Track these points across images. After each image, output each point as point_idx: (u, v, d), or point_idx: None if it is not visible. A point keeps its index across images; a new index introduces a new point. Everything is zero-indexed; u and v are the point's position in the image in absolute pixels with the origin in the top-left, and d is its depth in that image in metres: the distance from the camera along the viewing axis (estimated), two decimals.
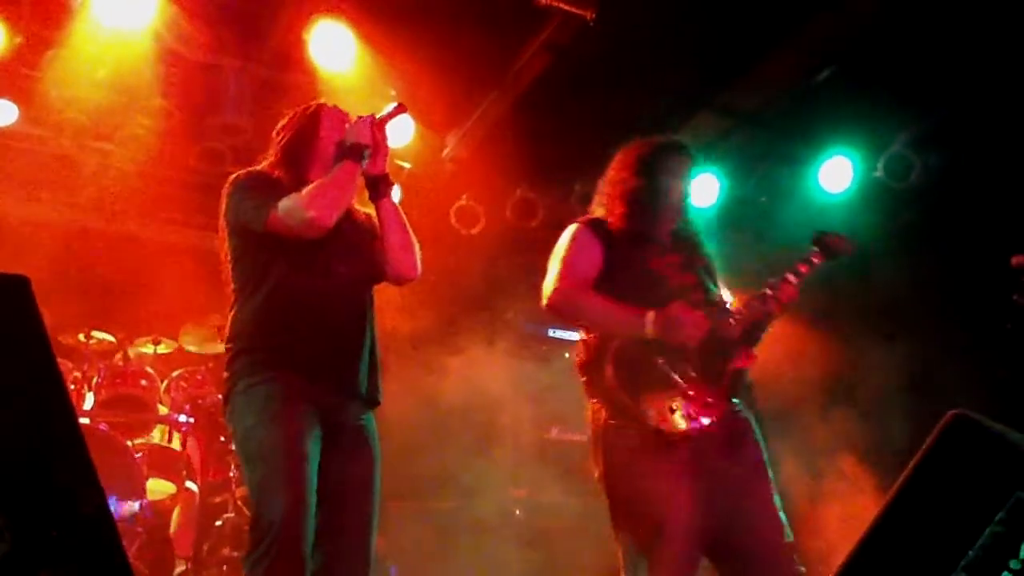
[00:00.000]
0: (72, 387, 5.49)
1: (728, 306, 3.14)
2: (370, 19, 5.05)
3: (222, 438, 5.48)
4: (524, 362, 6.55)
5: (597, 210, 3.33)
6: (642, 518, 2.85)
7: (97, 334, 5.94)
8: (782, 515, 2.93)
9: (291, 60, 5.29)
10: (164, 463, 5.52)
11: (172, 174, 6.15)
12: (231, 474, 5.38)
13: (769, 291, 3.07)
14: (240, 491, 5.25)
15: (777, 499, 2.95)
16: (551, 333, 6.99)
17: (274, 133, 3.19)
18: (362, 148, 2.98)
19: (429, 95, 5.52)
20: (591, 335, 3.10)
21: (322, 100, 3.30)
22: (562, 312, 3.09)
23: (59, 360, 5.51)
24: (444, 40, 5.04)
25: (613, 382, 2.88)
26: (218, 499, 5.52)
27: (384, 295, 3.25)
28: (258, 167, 3.12)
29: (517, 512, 6.27)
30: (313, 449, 2.75)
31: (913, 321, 5.55)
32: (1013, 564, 1.44)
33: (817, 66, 5.45)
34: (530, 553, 5.80)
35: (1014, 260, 2.96)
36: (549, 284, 3.10)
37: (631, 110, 5.69)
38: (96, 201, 6.09)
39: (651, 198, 3.18)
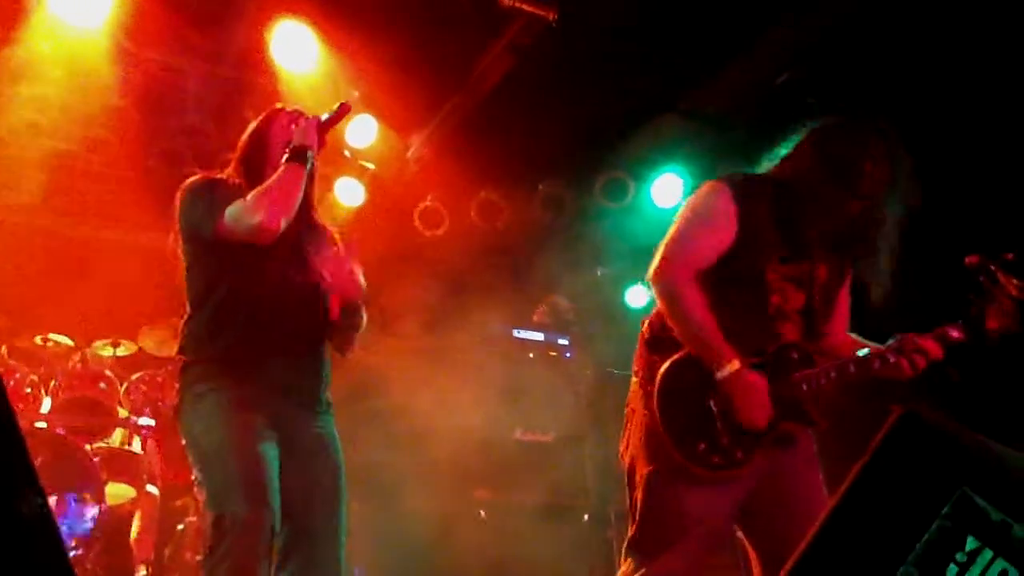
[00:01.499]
0: (28, 391, 5.41)
1: (815, 355, 2.80)
2: (332, 20, 5.04)
3: (183, 441, 5.41)
4: (489, 362, 6.55)
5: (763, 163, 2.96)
6: (666, 532, 2.71)
7: (54, 336, 5.86)
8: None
9: (253, 61, 5.26)
10: (124, 467, 5.45)
11: (131, 175, 6.08)
12: (193, 477, 5.31)
13: (891, 357, 2.74)
14: (202, 494, 5.20)
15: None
16: (516, 334, 6.99)
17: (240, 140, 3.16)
18: (305, 150, 2.92)
19: (392, 96, 5.51)
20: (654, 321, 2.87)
21: (283, 101, 3.29)
22: (657, 292, 2.79)
23: (14, 363, 5.47)
24: (407, 41, 5.03)
25: (655, 395, 2.72)
26: (179, 503, 5.46)
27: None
28: (218, 174, 3.09)
29: (481, 513, 6.27)
30: (269, 453, 2.72)
31: (879, 325, 5.60)
32: (959, 556, 1.47)
33: (780, 68, 5.50)
34: (494, 554, 5.80)
35: (967, 260, 2.98)
36: (659, 255, 2.80)
37: (595, 111, 5.72)
38: (53, 202, 6.01)
39: (832, 173, 2.78)
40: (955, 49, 4.98)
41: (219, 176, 3.05)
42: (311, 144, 2.95)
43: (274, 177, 2.87)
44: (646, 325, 2.91)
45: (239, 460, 2.67)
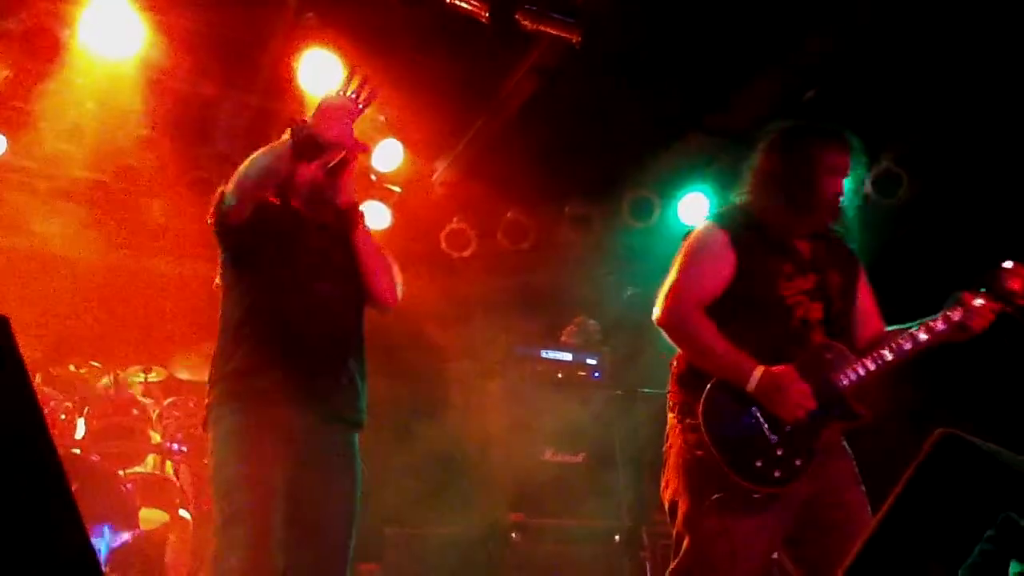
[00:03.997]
0: (63, 417, 5.46)
1: (848, 349, 2.84)
2: (358, 46, 5.08)
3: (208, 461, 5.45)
4: (517, 384, 6.54)
5: (742, 191, 3.01)
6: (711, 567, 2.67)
7: (88, 364, 5.92)
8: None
9: (281, 89, 5.31)
10: (157, 492, 5.49)
11: (161, 204, 6.15)
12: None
13: (955, 315, 2.82)
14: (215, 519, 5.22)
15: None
16: (544, 355, 6.97)
17: None
18: (312, 139, 2.69)
19: (418, 120, 5.55)
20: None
21: None
22: (669, 334, 2.84)
23: (49, 391, 5.54)
24: (431, 65, 5.07)
25: (701, 425, 2.69)
26: (212, 527, 5.47)
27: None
28: None
29: (514, 536, 6.24)
30: (284, 478, 2.67)
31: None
32: None
33: (803, 85, 5.49)
34: None
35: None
36: (663, 297, 2.86)
37: (620, 131, 5.73)
38: (86, 233, 6.09)
39: (795, 188, 2.83)
40: (981, 58, 4.95)
41: None
42: (327, 137, 2.72)
43: (257, 154, 2.78)
44: (675, 361, 2.94)
45: (249, 496, 2.63)
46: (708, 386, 2.73)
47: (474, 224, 6.73)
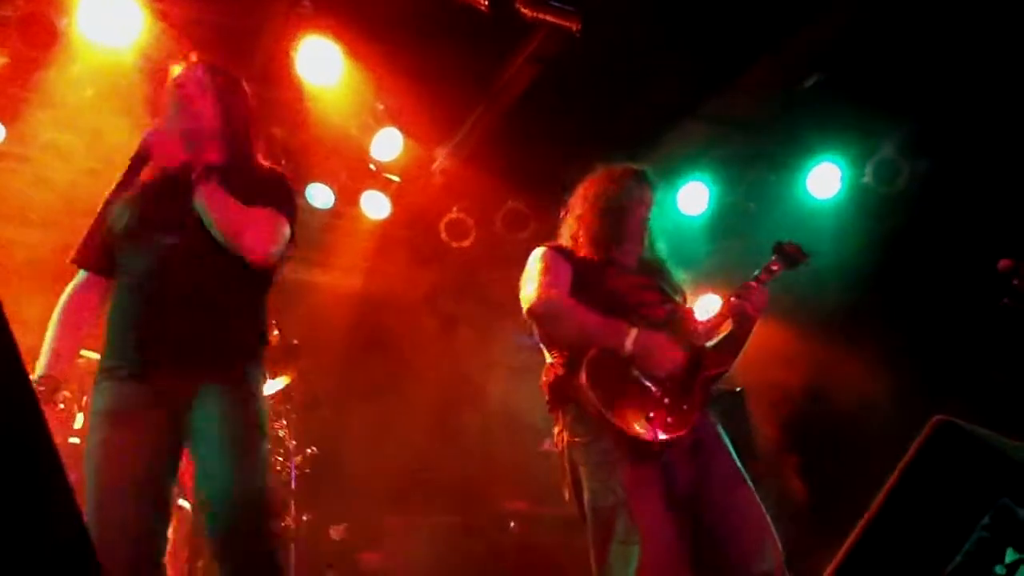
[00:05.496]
0: (61, 407, 5.45)
1: (694, 317, 3.23)
2: (356, 34, 5.06)
3: None
4: (512, 374, 6.54)
5: (562, 237, 3.43)
6: (623, 530, 2.83)
7: (86, 353, 5.90)
8: (768, 521, 2.93)
9: (278, 76, 5.29)
10: None
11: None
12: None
13: (735, 299, 3.22)
14: None
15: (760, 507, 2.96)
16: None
17: None
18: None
19: (417, 108, 5.53)
20: (559, 356, 3.15)
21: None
22: (545, 316, 3.14)
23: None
24: (431, 53, 5.04)
25: (588, 391, 2.90)
26: None
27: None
28: None
29: (512, 525, 6.26)
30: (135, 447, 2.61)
31: (902, 326, 5.56)
32: (999, 569, 1.44)
33: (804, 72, 5.47)
34: (526, 566, 5.78)
35: (1000, 264, 2.97)
36: (531, 291, 3.16)
37: (619, 119, 5.71)
38: (83, 221, 6.06)
39: (611, 233, 3.29)
40: (981, 47, 4.93)
41: None
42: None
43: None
44: (544, 373, 3.21)
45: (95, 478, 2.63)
46: (587, 357, 2.95)
47: (473, 213, 6.72)
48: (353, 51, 5.14)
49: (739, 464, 3.05)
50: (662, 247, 3.47)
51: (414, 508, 6.16)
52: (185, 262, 2.75)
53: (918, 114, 5.62)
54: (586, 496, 2.97)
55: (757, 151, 6.34)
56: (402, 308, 7.07)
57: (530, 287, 3.18)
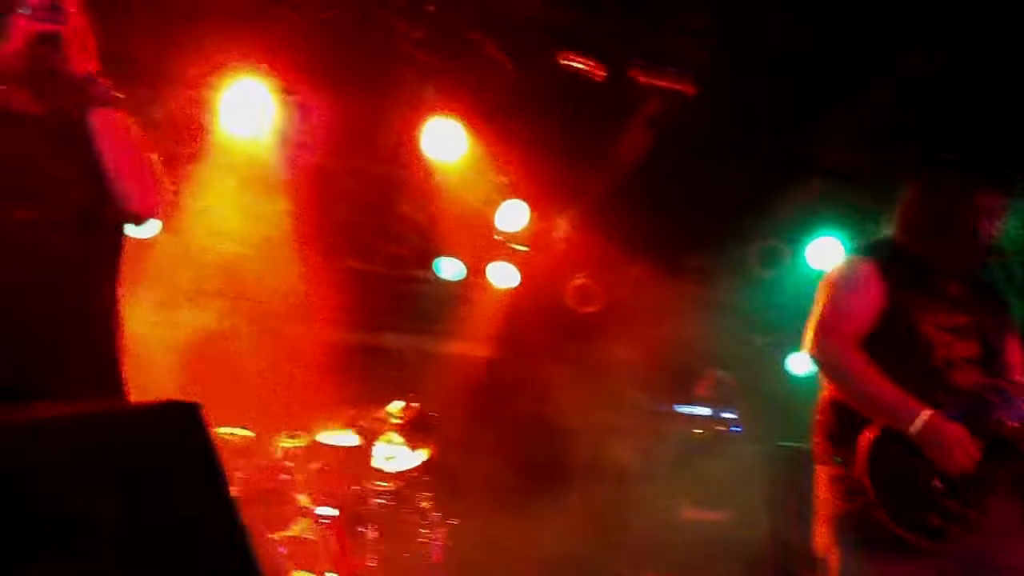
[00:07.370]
0: None
1: (1011, 389, 2.69)
2: (478, 113, 5.25)
3: (360, 528, 5.58)
4: (652, 440, 6.45)
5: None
6: None
7: (236, 430, 6.16)
8: None
9: (404, 156, 5.52)
10: (305, 555, 5.62)
11: (295, 271, 6.40)
12: (369, 564, 5.46)
13: None
14: None
15: None
16: (678, 409, 6.87)
17: None
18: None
19: (539, 179, 5.65)
20: (841, 398, 2.74)
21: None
22: (823, 369, 2.76)
23: None
24: (550, 125, 5.17)
25: (865, 477, 2.56)
26: None
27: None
28: None
29: None
30: None
31: None
32: None
33: (912, 112, 5.27)
34: None
35: None
36: (813, 330, 2.75)
37: (736, 179, 5.67)
38: (235, 303, 6.38)
39: (938, 230, 2.78)
40: None
41: None
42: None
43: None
44: (818, 411, 2.82)
45: None
46: (869, 440, 2.58)
47: (599, 279, 6.74)
48: (475, 128, 5.33)
49: None
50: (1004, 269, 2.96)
51: None
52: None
53: None
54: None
55: (879, 198, 6.14)
56: (531, 373, 7.09)
57: (815, 316, 2.76)
